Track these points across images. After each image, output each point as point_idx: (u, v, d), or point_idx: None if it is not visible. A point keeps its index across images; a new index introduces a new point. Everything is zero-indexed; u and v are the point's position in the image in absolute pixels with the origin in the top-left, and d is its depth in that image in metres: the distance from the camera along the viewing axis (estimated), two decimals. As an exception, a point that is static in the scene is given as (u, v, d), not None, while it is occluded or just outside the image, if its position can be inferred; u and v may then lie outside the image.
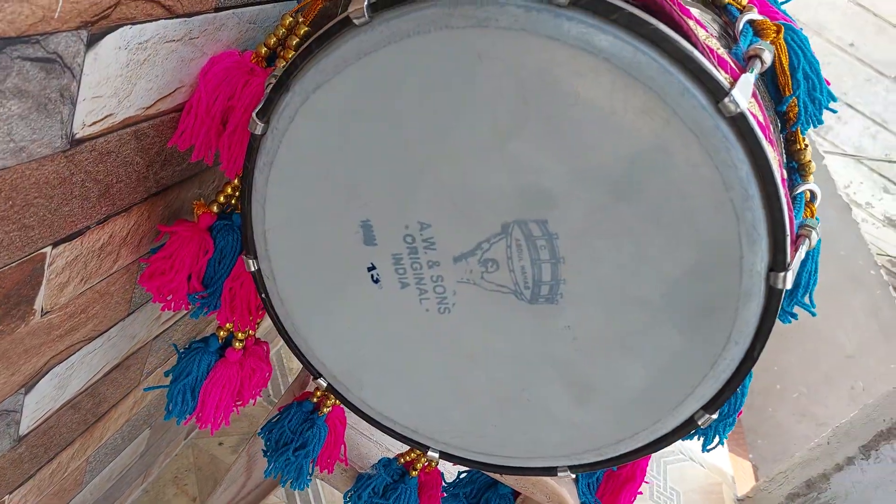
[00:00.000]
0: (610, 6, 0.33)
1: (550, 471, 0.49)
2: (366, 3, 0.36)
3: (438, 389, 0.48)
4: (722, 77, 0.34)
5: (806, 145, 0.48)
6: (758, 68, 0.37)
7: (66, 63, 0.36)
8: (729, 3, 0.45)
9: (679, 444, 1.85)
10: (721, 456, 1.95)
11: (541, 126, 0.37)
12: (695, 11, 0.40)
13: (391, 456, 0.72)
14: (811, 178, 0.48)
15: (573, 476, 0.50)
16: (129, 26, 0.39)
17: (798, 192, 0.46)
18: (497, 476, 0.63)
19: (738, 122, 0.34)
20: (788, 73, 0.44)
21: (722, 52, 0.36)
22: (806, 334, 2.28)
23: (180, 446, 1.07)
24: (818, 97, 0.47)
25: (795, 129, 0.47)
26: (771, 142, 0.37)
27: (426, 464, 0.70)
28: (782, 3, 0.52)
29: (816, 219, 0.49)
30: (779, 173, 0.35)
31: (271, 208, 0.44)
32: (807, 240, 0.41)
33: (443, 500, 0.72)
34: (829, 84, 0.48)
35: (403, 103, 0.38)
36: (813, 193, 0.47)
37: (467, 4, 0.35)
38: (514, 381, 0.45)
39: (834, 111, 0.48)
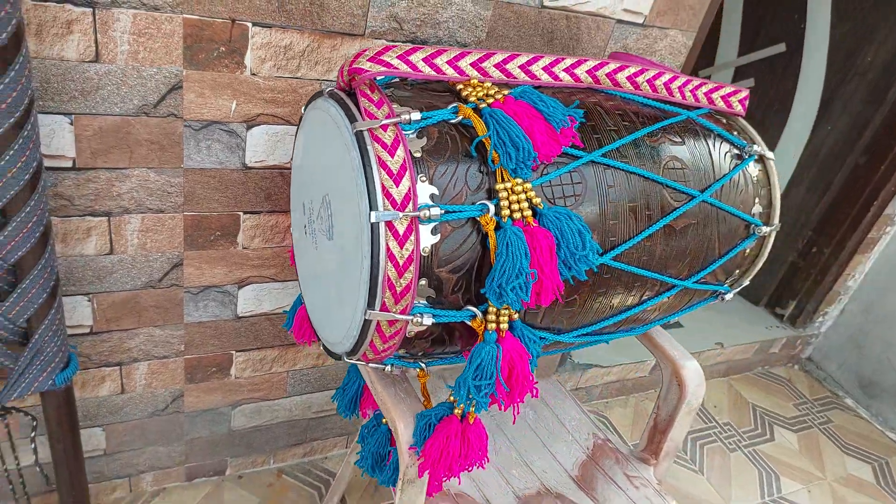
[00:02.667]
0: (335, 94, 0.78)
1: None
2: (304, 106, 0.90)
3: (322, 298, 0.89)
4: (361, 119, 0.73)
5: (504, 179, 0.73)
6: (400, 120, 0.72)
7: (238, 133, 1.02)
8: (470, 102, 0.77)
9: None
10: None
11: (325, 152, 0.82)
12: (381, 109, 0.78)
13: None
14: (504, 202, 0.72)
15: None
16: (266, 125, 1.03)
17: (477, 202, 0.72)
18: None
19: (358, 138, 0.72)
20: (479, 133, 0.74)
21: (380, 114, 0.73)
22: None
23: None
24: (514, 154, 0.73)
25: (498, 167, 0.73)
26: (391, 151, 0.71)
27: (391, 416, 1.02)
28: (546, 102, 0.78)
29: (511, 223, 0.71)
30: (378, 164, 0.70)
31: (292, 198, 0.99)
32: (421, 215, 0.69)
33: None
34: (541, 155, 0.73)
35: (307, 142, 0.89)
36: (485, 206, 0.71)
37: (314, 100, 0.85)
38: (337, 292, 0.84)
39: (528, 164, 0.72)
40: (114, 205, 1.00)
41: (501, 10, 1.08)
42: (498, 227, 0.73)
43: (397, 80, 0.84)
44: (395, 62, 0.76)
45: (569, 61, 0.87)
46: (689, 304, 1.02)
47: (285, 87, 1.01)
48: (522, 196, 0.74)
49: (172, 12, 0.88)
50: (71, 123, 0.91)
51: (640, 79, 0.92)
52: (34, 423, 1.08)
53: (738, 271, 1.01)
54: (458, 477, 0.86)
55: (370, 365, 0.86)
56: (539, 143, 0.74)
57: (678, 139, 0.90)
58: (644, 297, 0.90)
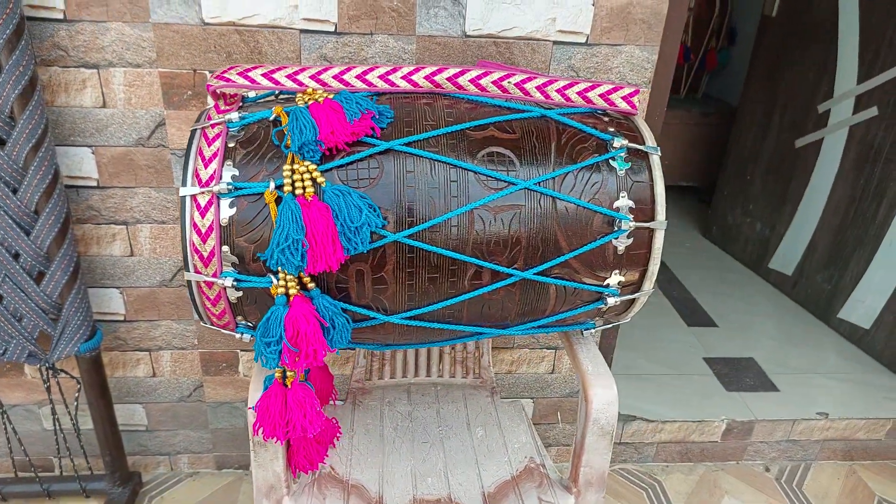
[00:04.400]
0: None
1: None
2: (225, 128, 1.13)
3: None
4: (204, 119, 0.92)
5: (293, 162, 0.84)
6: (224, 119, 0.90)
7: (212, 159, 1.28)
8: (296, 105, 0.91)
9: None
10: None
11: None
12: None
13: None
14: (287, 180, 0.83)
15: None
16: (232, 151, 1.27)
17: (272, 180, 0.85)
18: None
19: (192, 135, 0.91)
20: (283, 124, 0.87)
21: (217, 117, 0.92)
22: None
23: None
24: (297, 139, 0.85)
25: (289, 152, 0.86)
26: (210, 142, 0.88)
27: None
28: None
29: (291, 198, 0.83)
30: (196, 152, 0.88)
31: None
32: (215, 190, 0.85)
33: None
34: (322, 139, 0.84)
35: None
36: (267, 183, 0.84)
37: (216, 120, 1.07)
38: None
39: (313, 148, 0.83)
40: (129, 216, 1.33)
41: (425, 43, 1.21)
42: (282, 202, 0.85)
43: (273, 95, 1.03)
44: (235, 77, 0.94)
45: (406, 69, 0.97)
46: (565, 306, 0.98)
47: (241, 120, 1.25)
48: (307, 175, 0.85)
49: (150, 67, 1.19)
50: (93, 153, 1.26)
51: (484, 81, 0.97)
52: (79, 386, 1.42)
53: (616, 272, 0.95)
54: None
55: (223, 330, 1.00)
56: (325, 131, 0.85)
57: (512, 133, 0.92)
58: (475, 284, 0.91)
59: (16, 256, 1.24)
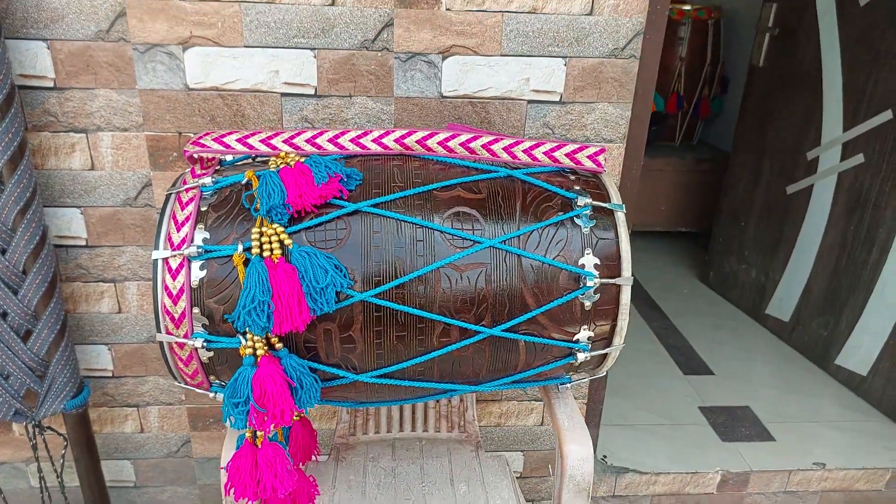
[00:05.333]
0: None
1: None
2: (207, 189, 1.16)
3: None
4: (179, 184, 0.95)
5: (261, 224, 0.87)
6: (198, 184, 0.93)
7: (197, 218, 1.31)
8: (268, 169, 0.94)
9: None
10: None
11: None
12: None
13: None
14: (255, 243, 0.86)
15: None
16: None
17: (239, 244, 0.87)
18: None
19: (167, 199, 0.94)
20: (254, 188, 0.90)
21: (192, 181, 0.95)
22: None
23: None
24: (265, 202, 0.87)
25: (258, 215, 0.88)
26: (184, 206, 0.91)
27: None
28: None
29: (259, 260, 0.85)
30: (170, 217, 0.91)
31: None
32: (186, 253, 0.87)
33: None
34: (290, 202, 0.86)
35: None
36: (236, 246, 0.86)
37: (196, 182, 1.10)
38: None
39: (281, 211, 0.86)
40: (117, 273, 1.35)
41: (403, 104, 1.25)
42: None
43: (251, 157, 1.06)
44: (210, 143, 0.98)
45: (376, 133, 1.00)
46: (536, 362, 0.98)
47: (225, 180, 1.28)
48: (275, 238, 0.87)
49: (137, 131, 1.24)
50: (81, 213, 1.30)
51: (452, 143, 0.99)
52: (65, 443, 1.42)
53: (585, 328, 0.95)
54: None
55: (197, 390, 1.01)
56: (293, 195, 0.88)
57: (478, 193, 0.94)
58: (444, 341, 0.92)
59: (3, 315, 1.26)
